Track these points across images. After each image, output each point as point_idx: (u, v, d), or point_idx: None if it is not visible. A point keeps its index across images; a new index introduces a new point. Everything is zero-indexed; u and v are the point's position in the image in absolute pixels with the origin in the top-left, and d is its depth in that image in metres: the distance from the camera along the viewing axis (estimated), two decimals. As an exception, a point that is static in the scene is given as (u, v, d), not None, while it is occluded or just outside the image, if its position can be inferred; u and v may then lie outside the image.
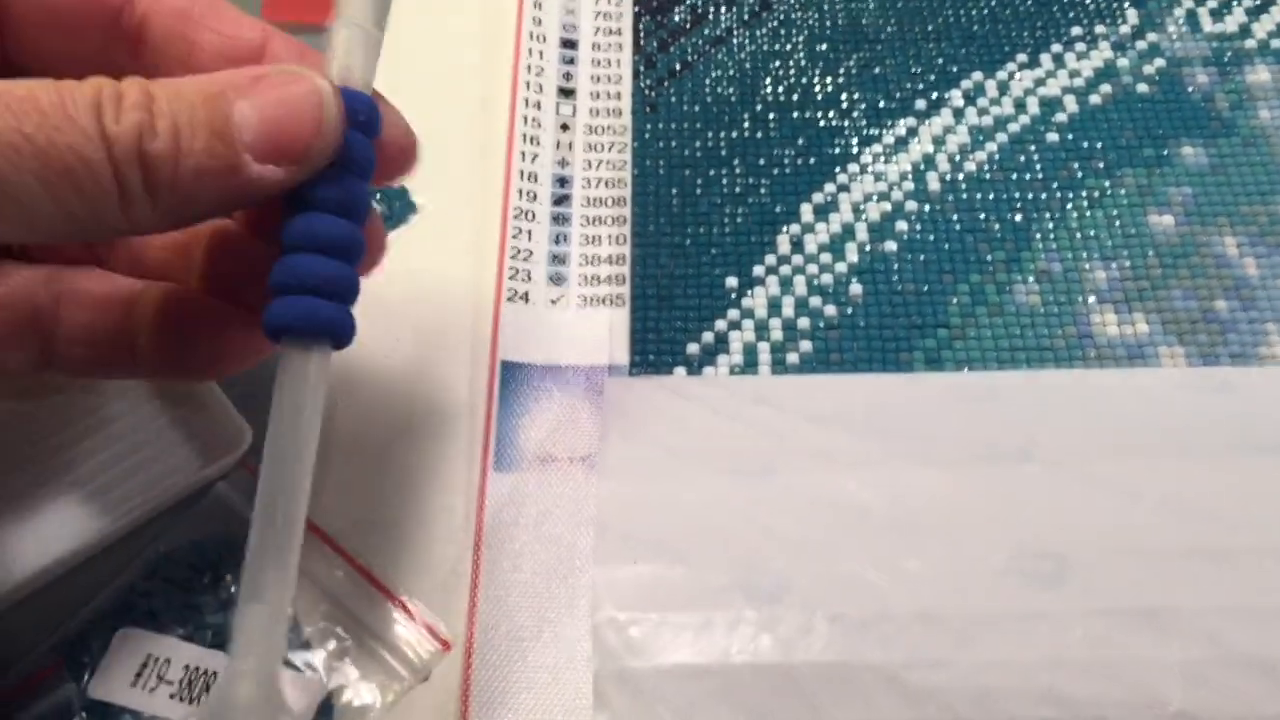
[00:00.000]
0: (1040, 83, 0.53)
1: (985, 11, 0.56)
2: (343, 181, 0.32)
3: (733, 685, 0.35)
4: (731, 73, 0.54)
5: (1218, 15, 0.55)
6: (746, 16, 0.57)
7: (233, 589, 0.41)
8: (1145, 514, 0.38)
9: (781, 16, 0.56)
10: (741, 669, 0.35)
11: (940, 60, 0.54)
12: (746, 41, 0.55)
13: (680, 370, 0.46)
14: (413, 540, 0.43)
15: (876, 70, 0.54)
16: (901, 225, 0.49)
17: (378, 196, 0.51)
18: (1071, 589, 0.36)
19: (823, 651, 0.35)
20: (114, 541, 0.42)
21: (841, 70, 0.54)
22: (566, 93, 0.54)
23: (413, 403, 0.46)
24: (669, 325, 0.47)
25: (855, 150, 0.52)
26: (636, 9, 0.57)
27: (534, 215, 0.50)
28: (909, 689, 0.35)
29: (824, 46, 0.55)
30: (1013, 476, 0.39)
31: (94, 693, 0.39)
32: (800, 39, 0.55)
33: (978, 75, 0.54)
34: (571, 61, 0.55)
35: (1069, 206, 0.49)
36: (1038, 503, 0.38)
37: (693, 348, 0.47)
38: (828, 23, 0.56)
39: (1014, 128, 0.52)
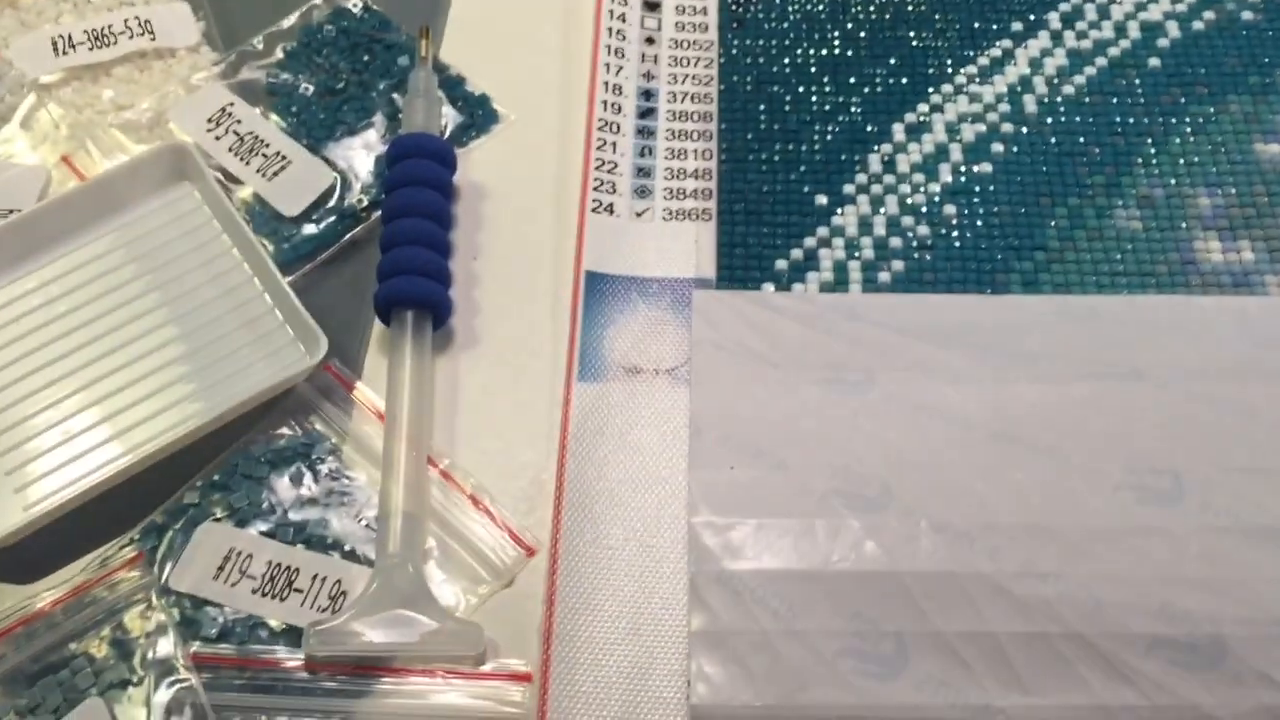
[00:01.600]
0: (1141, 7, 0.51)
1: (1084, -65, 0.54)
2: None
3: (835, 590, 0.34)
4: (821, -10, 0.53)
5: (1327, -57, 0.53)
6: (835, -65, 0.55)
7: (312, 486, 0.41)
8: (1263, 434, 0.37)
9: (871, -64, 0.55)
10: (845, 575, 0.35)
11: (1036, -17, 0.53)
12: (836, -41, 0.54)
13: (769, 286, 0.45)
14: (496, 447, 0.42)
15: (970, -9, 0.52)
16: (997, 147, 0.48)
17: (459, 103, 0.50)
18: (1188, 505, 0.35)
19: (929, 560, 0.34)
20: (202, 437, 0.41)
21: (934, -10, 0.53)
22: (652, 6, 0.53)
23: (494, 311, 0.45)
24: (757, 241, 0.46)
25: (949, 71, 0.50)
26: (723, -76, 0.55)
27: (619, 128, 0.49)
28: (1018, 599, 0.34)
29: (915, -33, 0.53)
30: (1122, 393, 0.38)
31: (175, 584, 0.39)
32: (891, -42, 0.54)
33: (1076, -2, 0.52)
34: (656, -25, 0.54)
35: (1171, 133, 0.48)
36: (1150, 420, 0.37)
37: (781, 264, 0.45)
38: (919, -57, 0.54)
39: (1114, 52, 0.50)
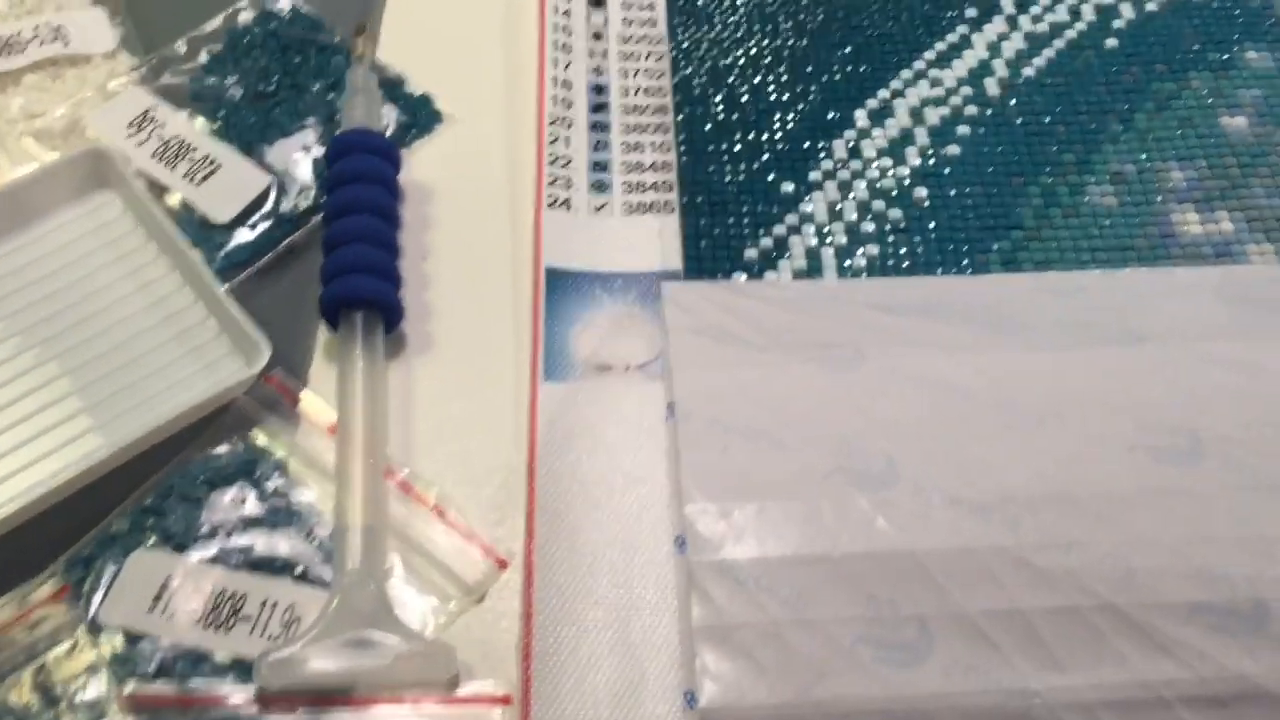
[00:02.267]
0: (1094, -10, 0.51)
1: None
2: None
3: (847, 573, 0.32)
4: (769, -18, 0.51)
5: (1268, -75, 0.53)
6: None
7: (257, 505, 0.37)
8: (1276, 388, 0.35)
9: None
10: (856, 557, 0.32)
11: (986, -30, 0.52)
12: (782, -47, 0.53)
13: (740, 275, 0.42)
14: (458, 454, 0.39)
15: (921, -22, 0.51)
16: (963, 129, 0.46)
17: (400, 104, 0.47)
18: (1210, 465, 0.33)
19: (945, 536, 0.32)
20: (133, 458, 0.37)
21: (885, -21, 0.51)
22: (597, 3, 0.51)
23: (448, 314, 0.42)
24: (723, 231, 0.44)
25: (907, 57, 0.49)
26: (664, -79, 0.54)
27: (570, 123, 0.47)
28: (1044, 572, 0.31)
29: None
30: (1123, 357, 0.36)
31: (106, 619, 0.35)
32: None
33: (1028, -18, 0.51)
34: (599, -28, 0.52)
35: (1136, 110, 0.47)
36: (1157, 381, 0.35)
37: (751, 253, 0.43)
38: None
39: (1071, 34, 0.49)
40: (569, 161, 0.45)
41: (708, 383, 0.36)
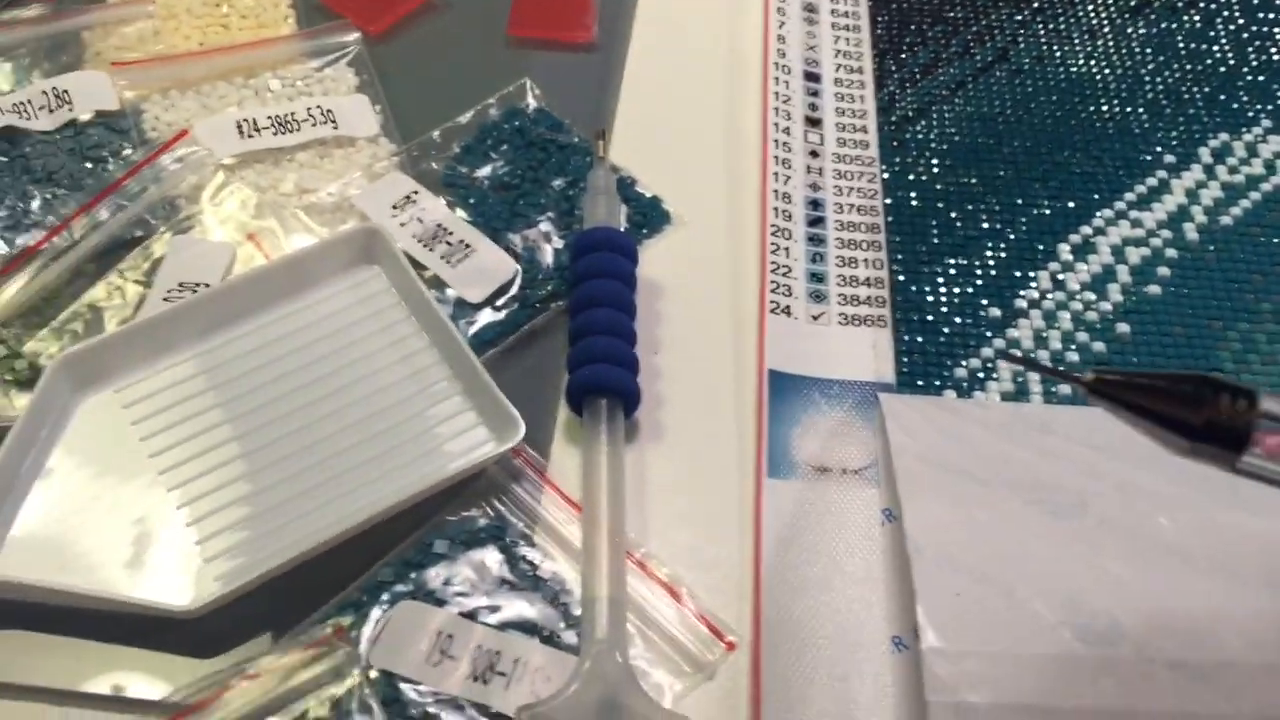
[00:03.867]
0: (1289, 146, 0.53)
1: (1223, 76, 0.56)
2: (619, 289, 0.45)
3: (1077, 727, 0.34)
4: (975, 115, 0.55)
5: None
6: (980, 65, 0.57)
7: (507, 569, 0.40)
8: None
9: (1015, 66, 0.57)
10: (1085, 712, 0.34)
11: (1182, 120, 0.55)
12: (987, 88, 0.56)
13: (950, 392, 0.45)
14: (687, 540, 0.42)
15: (1119, 123, 0.55)
16: (1163, 270, 0.49)
17: (632, 204, 0.51)
18: None
19: (1167, 699, 0.34)
20: (394, 515, 0.41)
21: (1081, 120, 0.55)
22: (813, 121, 0.55)
23: (677, 405, 0.45)
24: (935, 348, 0.47)
25: (1109, 196, 0.52)
26: (876, 50, 0.58)
27: (790, 234, 0.50)
28: (1263, 741, 0.34)
29: (1061, 98, 0.56)
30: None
31: (379, 662, 0.38)
32: (1038, 87, 0.56)
33: (1224, 135, 0.54)
34: (816, 94, 0.56)
35: (1332, 265, 0.49)
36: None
37: (960, 372, 0.46)
38: (1061, 75, 0.57)
39: (1266, 187, 0.52)
40: (789, 271, 0.49)
41: (938, 517, 0.39)
